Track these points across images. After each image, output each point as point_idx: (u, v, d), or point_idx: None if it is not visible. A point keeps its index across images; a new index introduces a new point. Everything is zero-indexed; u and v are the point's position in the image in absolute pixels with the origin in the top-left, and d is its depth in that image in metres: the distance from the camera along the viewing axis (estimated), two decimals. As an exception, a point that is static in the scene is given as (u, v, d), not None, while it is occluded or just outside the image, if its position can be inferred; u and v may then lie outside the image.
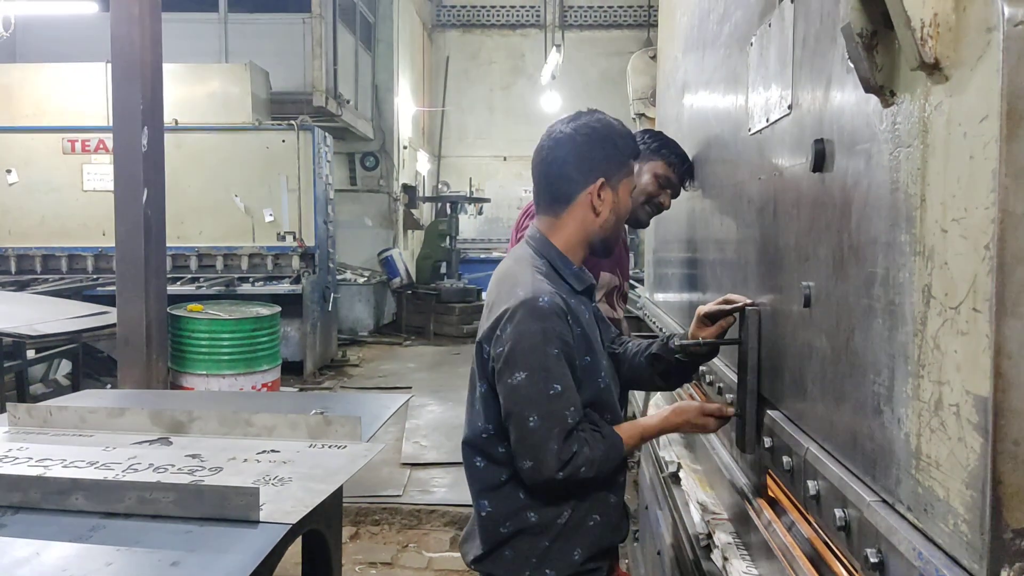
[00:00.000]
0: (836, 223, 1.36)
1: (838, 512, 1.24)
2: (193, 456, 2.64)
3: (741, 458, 2.12)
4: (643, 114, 4.45)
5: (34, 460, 2.42)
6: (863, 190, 1.24)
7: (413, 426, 7.14)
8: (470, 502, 5.66)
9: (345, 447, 2.77)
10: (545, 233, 2.03)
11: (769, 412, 1.76)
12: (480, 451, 2.00)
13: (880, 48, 1.12)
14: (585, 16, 16.42)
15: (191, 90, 8.94)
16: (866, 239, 1.22)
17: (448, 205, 13.10)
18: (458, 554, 4.90)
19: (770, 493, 1.91)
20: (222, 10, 10.26)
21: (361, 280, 12.01)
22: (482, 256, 16.00)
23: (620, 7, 16.93)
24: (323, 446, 2.79)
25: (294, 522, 1.99)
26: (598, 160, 1.95)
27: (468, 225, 14.88)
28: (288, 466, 2.55)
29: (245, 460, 2.61)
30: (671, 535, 2.61)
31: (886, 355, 1.14)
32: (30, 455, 2.47)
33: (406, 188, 13.91)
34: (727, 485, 2.14)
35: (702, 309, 2.02)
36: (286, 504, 2.13)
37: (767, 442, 1.70)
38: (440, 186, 16.05)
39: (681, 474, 2.50)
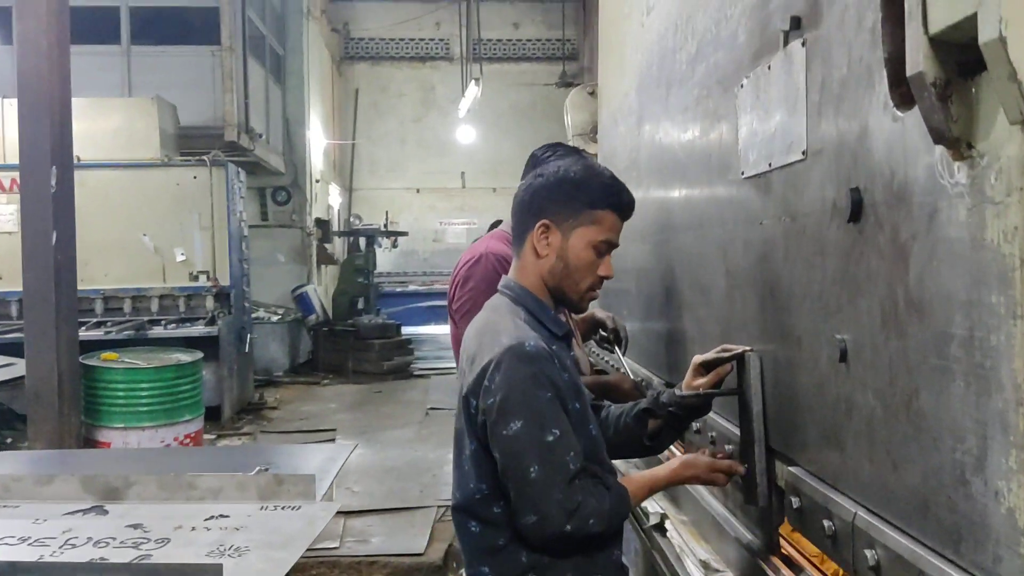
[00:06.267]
0: (884, 276, 1.30)
1: (915, 587, 1.17)
2: (134, 526, 2.43)
3: (743, 510, 2.05)
4: (584, 150, 4.41)
5: (-45, 539, 2.18)
6: (926, 244, 1.18)
7: (342, 471, 6.88)
8: (410, 551, 5.43)
9: (299, 508, 2.61)
10: (516, 278, 1.99)
11: (789, 468, 1.69)
12: (474, 515, 1.88)
13: (955, 98, 1.07)
14: (495, 49, 16.53)
15: (94, 125, 8.49)
16: (933, 296, 1.16)
17: (364, 239, 12.86)
18: (403, 607, 4.71)
19: (784, 551, 1.85)
20: (124, 42, 9.86)
21: (275, 318, 11.65)
22: (398, 290, 15.80)
23: (529, 40, 17.11)
24: (276, 508, 2.62)
25: (260, 597, 1.84)
26: (544, 203, 1.92)
27: (383, 258, 14.65)
28: (242, 533, 2.37)
29: (193, 528, 2.42)
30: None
31: (973, 421, 1.08)
32: (-50, 533, 2.22)
33: (319, 222, 13.61)
34: (730, 540, 2.06)
35: (698, 358, 1.95)
36: (248, 577, 1.96)
37: (795, 502, 1.62)
38: (352, 219, 15.78)
39: (667, 525, 2.41)
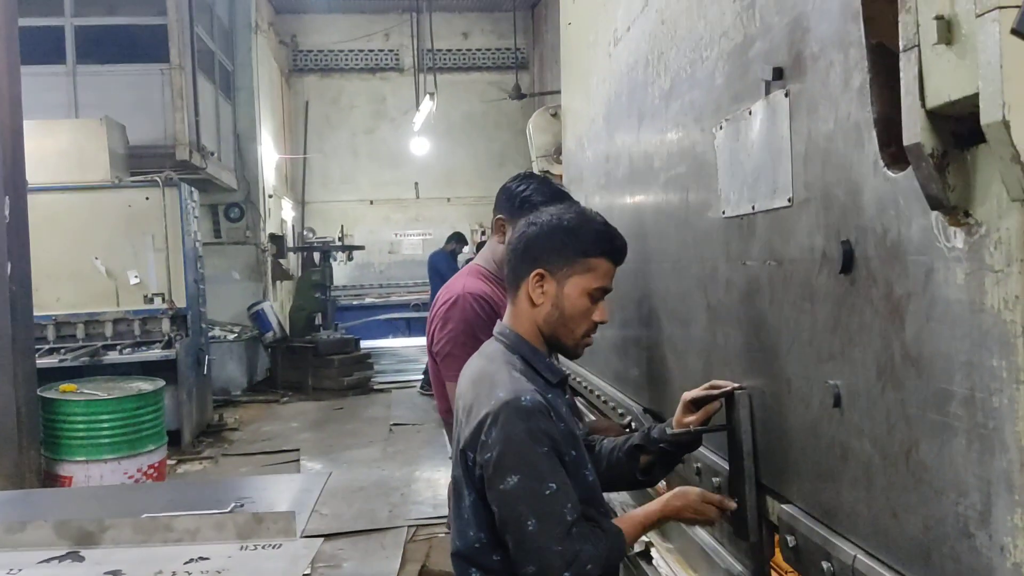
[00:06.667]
0: (879, 329, 1.34)
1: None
2: (113, 573, 2.41)
3: (730, 542, 2.09)
4: (547, 171, 4.45)
5: (-71, 594, 2.14)
6: (923, 303, 1.22)
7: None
8: (383, 574, 5.38)
9: (280, 546, 2.59)
10: (511, 324, 2.01)
11: (783, 506, 1.73)
12: (474, 563, 1.91)
13: (952, 168, 1.11)
14: (445, 59, 16.50)
15: (41, 147, 8.26)
16: (932, 353, 1.21)
17: (320, 254, 12.73)
18: (382, 634, 4.69)
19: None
20: (70, 62, 9.64)
21: (231, 336, 11.47)
22: (355, 303, 15.69)
23: (479, 50, 17.13)
24: (256, 547, 2.60)
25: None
26: (539, 252, 1.95)
27: (338, 272, 14.52)
28: (225, 577, 2.36)
29: (173, 573, 2.41)
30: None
31: (976, 478, 1.12)
32: (-77, 588, 2.18)
33: (273, 238, 13.45)
34: (719, 570, 2.10)
35: (687, 396, 1.99)
36: (239, 627, 1.95)
37: (790, 541, 1.66)
38: (305, 232, 15.65)
39: (653, 553, 2.44)
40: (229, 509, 2.97)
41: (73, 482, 5.64)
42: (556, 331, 1.95)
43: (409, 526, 5.94)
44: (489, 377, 1.89)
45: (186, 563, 2.46)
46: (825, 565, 1.51)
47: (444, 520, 5.23)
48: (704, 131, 2.13)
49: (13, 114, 4.97)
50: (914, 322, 1.25)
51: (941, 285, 1.18)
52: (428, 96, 11.42)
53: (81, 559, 2.53)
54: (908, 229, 1.26)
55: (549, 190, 2.60)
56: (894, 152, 1.29)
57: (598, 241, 1.93)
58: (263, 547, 2.58)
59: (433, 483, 6.87)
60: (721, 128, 2.00)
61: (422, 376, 11.00)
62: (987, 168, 1.07)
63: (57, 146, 8.43)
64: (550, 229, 1.94)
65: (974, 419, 1.12)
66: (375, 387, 11.60)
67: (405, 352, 14.23)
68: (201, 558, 2.50)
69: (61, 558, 2.53)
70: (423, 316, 13.73)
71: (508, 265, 2.02)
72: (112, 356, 7.95)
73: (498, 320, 2.09)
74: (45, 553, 2.55)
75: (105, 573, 2.40)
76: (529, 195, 2.55)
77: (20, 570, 2.43)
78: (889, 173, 1.30)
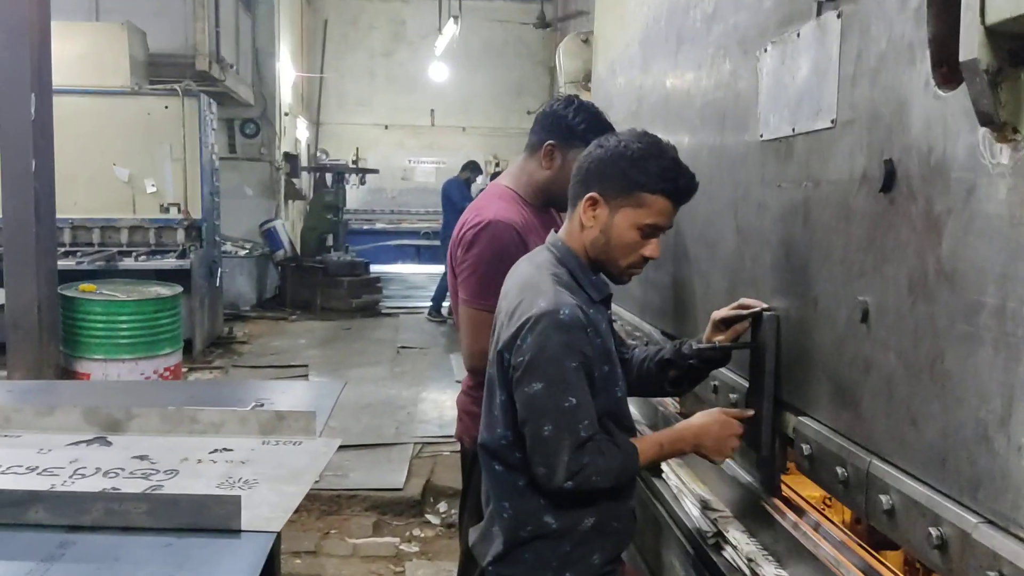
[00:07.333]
0: (915, 245, 1.39)
1: (933, 531, 1.28)
2: (141, 458, 2.48)
3: (742, 455, 2.17)
4: (576, 96, 4.43)
5: (-37, 468, 2.22)
6: (962, 218, 1.27)
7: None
8: (389, 486, 5.52)
9: (301, 443, 2.67)
10: (564, 238, 2.05)
11: (800, 418, 1.80)
12: (498, 457, 2.00)
13: (1005, 86, 1.14)
14: (468, -16, 16.23)
15: (61, 50, 8.16)
16: (967, 267, 1.25)
17: (334, 175, 12.71)
18: (384, 539, 4.86)
19: (785, 495, 1.97)
20: (92, -37, 9.52)
21: (242, 252, 11.56)
22: (365, 227, 15.71)
23: (503, -24, 16.84)
24: (277, 443, 2.68)
25: (278, 529, 1.93)
26: (598, 175, 1.96)
27: (350, 195, 14.50)
28: (248, 467, 2.44)
29: (199, 461, 2.48)
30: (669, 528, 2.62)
31: (1000, 384, 1.18)
32: (-45, 462, 2.26)
33: (288, 156, 13.42)
34: (728, 481, 2.18)
35: (717, 314, 2.05)
36: (262, 510, 2.05)
37: (805, 449, 1.74)
38: (319, 154, 15.60)
39: (663, 466, 2.53)
40: (250, 407, 3.05)
41: (91, 379, 5.77)
42: (600, 256, 1.98)
43: (415, 443, 6.08)
44: (535, 285, 1.93)
45: (211, 452, 2.54)
46: (839, 471, 1.58)
47: (450, 439, 5.35)
48: (747, 54, 2.14)
49: (41, 12, 4.95)
50: (951, 237, 1.30)
51: (982, 200, 1.23)
52: (452, 19, 11.26)
53: (108, 444, 2.61)
54: (954, 146, 1.30)
55: (601, 125, 2.54)
56: (946, 72, 1.32)
57: (659, 178, 1.89)
58: (284, 443, 2.66)
59: (439, 404, 7.00)
60: (766, 51, 2.01)
61: (430, 303, 11.09)
62: (1041, 85, 1.11)
63: (77, 49, 8.37)
64: (614, 156, 1.93)
65: (1003, 328, 1.18)
66: (383, 311, 11.70)
67: (414, 279, 14.33)
68: (225, 449, 2.58)
69: (89, 442, 2.61)
70: (434, 244, 13.84)
71: (572, 180, 2.03)
72: (127, 262, 8.04)
73: (551, 232, 2.12)
74: (73, 437, 2.62)
75: (133, 457, 2.47)
76: (585, 128, 2.49)
77: (50, 451, 2.51)
78: (939, 92, 1.33)
